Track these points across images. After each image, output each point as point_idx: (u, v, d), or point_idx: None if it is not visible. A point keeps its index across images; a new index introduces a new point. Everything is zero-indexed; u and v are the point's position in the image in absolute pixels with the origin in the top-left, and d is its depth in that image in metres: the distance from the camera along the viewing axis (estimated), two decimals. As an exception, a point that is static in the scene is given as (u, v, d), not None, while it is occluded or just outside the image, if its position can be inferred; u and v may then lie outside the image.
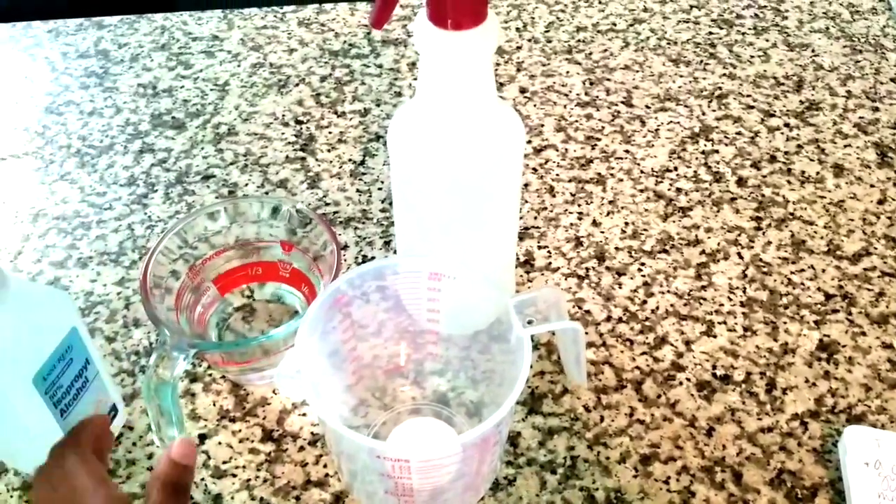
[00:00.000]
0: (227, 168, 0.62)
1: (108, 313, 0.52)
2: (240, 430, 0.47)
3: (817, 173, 0.61)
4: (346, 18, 0.75)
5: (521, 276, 0.55)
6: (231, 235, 0.51)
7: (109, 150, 0.63)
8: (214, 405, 0.48)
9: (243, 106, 0.67)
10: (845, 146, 0.63)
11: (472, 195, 0.44)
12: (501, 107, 0.44)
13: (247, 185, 0.60)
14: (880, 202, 0.59)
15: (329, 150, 0.63)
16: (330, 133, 0.64)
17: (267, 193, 0.60)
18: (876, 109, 0.66)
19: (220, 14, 0.76)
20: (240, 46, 0.72)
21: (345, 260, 0.55)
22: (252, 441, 0.46)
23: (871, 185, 0.60)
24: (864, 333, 0.51)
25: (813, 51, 0.71)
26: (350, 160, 0.62)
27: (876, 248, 0.56)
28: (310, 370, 0.42)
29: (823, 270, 0.55)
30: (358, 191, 0.60)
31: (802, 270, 0.55)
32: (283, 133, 0.64)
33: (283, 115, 0.66)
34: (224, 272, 0.51)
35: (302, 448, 0.46)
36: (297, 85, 0.68)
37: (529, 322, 0.42)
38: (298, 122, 0.65)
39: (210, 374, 0.49)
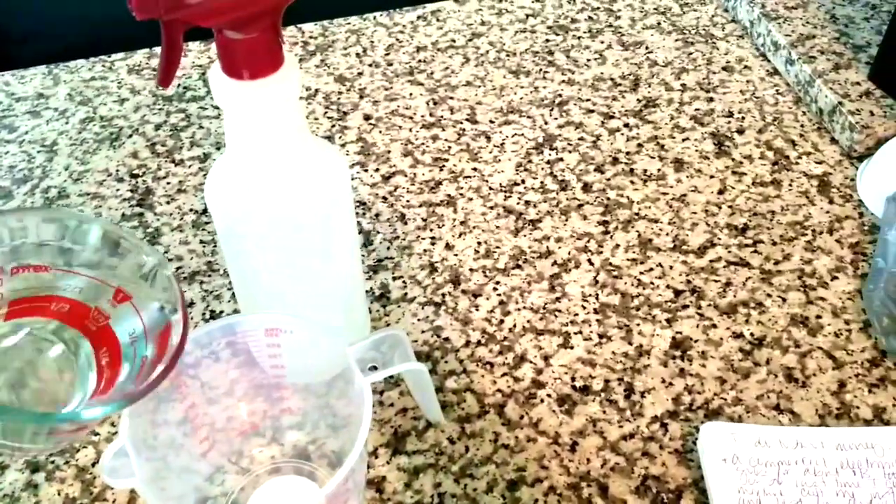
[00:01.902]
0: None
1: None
2: (89, 518, 0.44)
3: (658, 170, 0.62)
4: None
5: (378, 310, 0.54)
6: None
7: (-73, 231, 0.59)
8: (59, 494, 0.45)
9: (74, 165, 0.63)
10: (684, 140, 0.64)
11: (301, 242, 0.42)
12: (319, 147, 0.43)
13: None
14: (720, 192, 0.61)
15: (168, 202, 0.60)
16: (168, 184, 0.62)
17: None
18: (710, 100, 0.68)
19: (44, 70, 0.72)
20: (67, 102, 0.69)
21: (191, 318, 0.53)
22: (99, 530, 0.44)
23: (711, 176, 0.62)
24: (714, 326, 0.52)
25: (647, 48, 0.73)
26: (191, 210, 0.60)
27: (720, 239, 0.57)
28: (150, 449, 0.40)
29: (671, 267, 0.56)
30: (201, 242, 0.58)
31: (651, 270, 0.55)
32: (117, 189, 0.61)
33: (117, 171, 0.63)
34: (25, 297, 0.40)
35: (153, 529, 0.44)
36: (130, 136, 0.66)
37: (373, 368, 0.41)
38: (134, 176, 0.62)
39: (53, 462, 0.46)
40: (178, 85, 0.70)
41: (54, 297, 0.40)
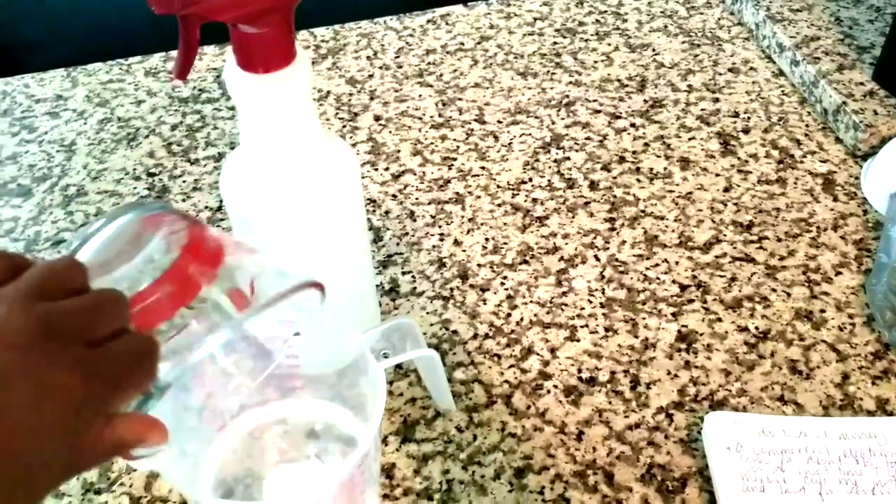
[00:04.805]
0: (77, 231, 0.60)
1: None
2: (106, 503, 0.45)
3: (665, 169, 0.63)
4: (194, 64, 0.74)
5: (388, 303, 0.55)
6: None
7: (-50, 227, 0.61)
8: (77, 479, 0.46)
9: (92, 164, 0.65)
10: (690, 139, 0.65)
11: (313, 234, 0.44)
12: (329, 141, 0.44)
13: (99, 246, 0.59)
14: (726, 190, 0.61)
15: (184, 200, 0.62)
16: (184, 182, 0.63)
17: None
18: (716, 100, 0.69)
19: (63, 73, 0.74)
20: (85, 104, 0.70)
21: (206, 311, 0.54)
22: (116, 513, 0.45)
23: (717, 175, 0.63)
24: (719, 319, 0.53)
25: (653, 50, 0.74)
26: (206, 207, 0.61)
27: (725, 235, 0.58)
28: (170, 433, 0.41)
29: (677, 263, 0.56)
30: (216, 238, 0.59)
31: (657, 265, 0.56)
32: (134, 188, 0.63)
33: (135, 169, 0.64)
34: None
35: (169, 513, 0.45)
36: (146, 137, 0.67)
37: (385, 355, 0.42)
38: (150, 175, 0.64)
39: (70, 449, 0.47)
40: (194, 87, 0.72)
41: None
